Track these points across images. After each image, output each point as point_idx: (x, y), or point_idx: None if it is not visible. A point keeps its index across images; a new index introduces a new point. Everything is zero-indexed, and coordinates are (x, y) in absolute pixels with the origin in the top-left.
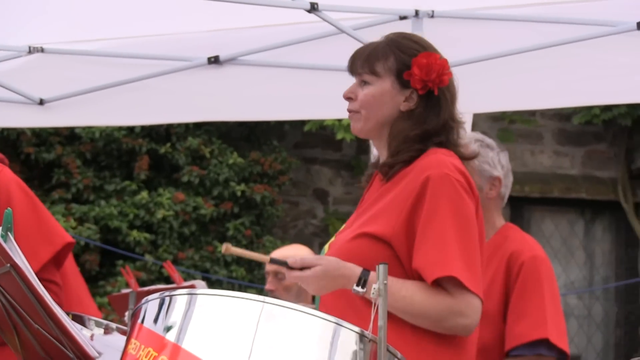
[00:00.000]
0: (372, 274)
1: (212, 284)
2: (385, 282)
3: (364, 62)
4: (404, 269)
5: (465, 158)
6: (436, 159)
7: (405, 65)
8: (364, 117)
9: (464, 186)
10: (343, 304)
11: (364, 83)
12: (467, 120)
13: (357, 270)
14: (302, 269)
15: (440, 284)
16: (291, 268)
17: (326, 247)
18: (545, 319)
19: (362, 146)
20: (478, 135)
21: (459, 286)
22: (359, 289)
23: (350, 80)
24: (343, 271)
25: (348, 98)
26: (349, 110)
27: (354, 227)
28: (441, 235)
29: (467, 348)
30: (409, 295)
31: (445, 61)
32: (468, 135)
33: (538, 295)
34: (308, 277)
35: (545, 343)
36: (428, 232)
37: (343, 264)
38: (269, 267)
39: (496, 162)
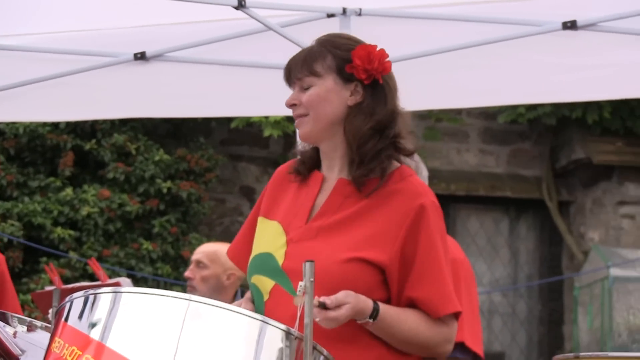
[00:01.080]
0: (382, 306)
1: (137, 281)
2: (311, 279)
3: (301, 66)
4: (389, 293)
5: (411, 152)
6: (421, 185)
7: (345, 61)
8: (312, 118)
9: (441, 213)
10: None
11: (305, 88)
12: None
13: (370, 303)
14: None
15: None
16: (327, 309)
17: (273, 251)
18: (462, 322)
19: (289, 143)
20: None
21: (452, 316)
22: (370, 320)
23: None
24: (362, 305)
25: (292, 105)
26: (296, 116)
27: (336, 245)
28: (439, 269)
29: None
30: (415, 327)
31: (383, 50)
32: None
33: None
34: (341, 315)
35: (460, 346)
36: (427, 265)
37: (362, 299)
38: (194, 257)
39: (418, 160)
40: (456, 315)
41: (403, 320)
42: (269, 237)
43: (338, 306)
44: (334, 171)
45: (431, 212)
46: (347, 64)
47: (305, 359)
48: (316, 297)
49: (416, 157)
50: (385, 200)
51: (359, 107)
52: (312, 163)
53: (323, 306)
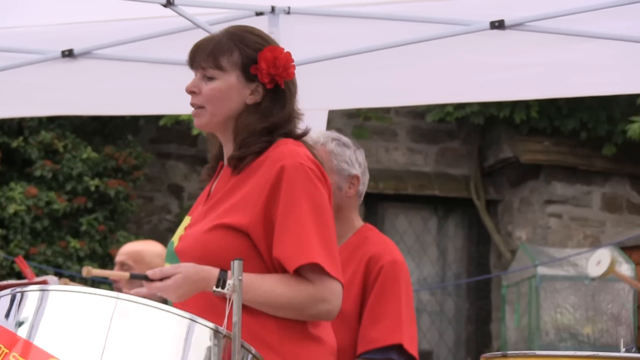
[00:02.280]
0: (230, 273)
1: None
2: (240, 277)
3: (207, 57)
4: (264, 260)
5: (312, 147)
6: (288, 149)
7: (251, 60)
8: (209, 112)
9: (317, 175)
10: (201, 302)
11: (208, 78)
12: (322, 117)
13: (215, 271)
14: (162, 279)
15: (301, 273)
16: (151, 280)
17: (175, 239)
18: (401, 324)
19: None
20: (334, 134)
21: (319, 272)
22: (219, 289)
23: None
24: (202, 274)
25: (191, 92)
26: (192, 105)
27: (208, 219)
28: (300, 225)
29: (326, 340)
30: (270, 289)
31: (289, 54)
32: (324, 134)
33: (395, 300)
34: (170, 286)
35: (396, 348)
36: (287, 222)
37: (201, 268)
38: (118, 258)
39: (354, 160)
40: (324, 272)
41: (257, 284)
42: (180, 229)
43: (167, 277)
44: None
45: (293, 172)
46: (252, 64)
47: (233, 357)
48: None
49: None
50: (256, 169)
51: (257, 107)
52: (218, 162)
53: (145, 278)
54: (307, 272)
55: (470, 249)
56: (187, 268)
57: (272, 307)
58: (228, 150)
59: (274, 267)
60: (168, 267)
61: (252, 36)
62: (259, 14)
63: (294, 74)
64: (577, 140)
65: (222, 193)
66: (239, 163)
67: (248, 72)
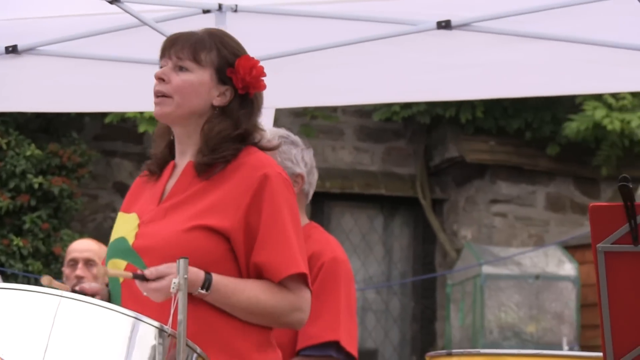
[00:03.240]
0: (215, 276)
1: (8, 278)
2: (185, 276)
3: (187, 48)
4: (238, 264)
5: (268, 149)
6: (266, 158)
7: (227, 62)
8: (176, 103)
9: (291, 185)
10: (142, 300)
11: (181, 69)
12: (269, 115)
13: (201, 274)
14: (156, 279)
15: (283, 282)
16: (147, 280)
17: (127, 235)
18: (339, 322)
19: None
20: (282, 131)
21: (299, 282)
22: (204, 291)
23: (150, 73)
24: (191, 277)
25: (160, 79)
26: (158, 91)
27: (180, 219)
28: (284, 234)
29: (277, 347)
30: (254, 295)
31: (262, 68)
32: (272, 131)
33: (334, 297)
34: (165, 286)
35: (335, 345)
36: (271, 230)
37: (192, 271)
38: (80, 255)
39: (299, 159)
40: (304, 281)
41: (240, 289)
42: (124, 225)
43: (161, 277)
44: (185, 157)
45: (275, 181)
46: (228, 67)
47: (178, 356)
48: (139, 270)
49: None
50: (231, 174)
51: (224, 110)
52: (163, 162)
53: (143, 278)
54: (289, 281)
55: (415, 248)
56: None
57: (252, 314)
58: (184, 148)
59: (248, 272)
60: (162, 267)
61: (231, 41)
62: (206, 11)
63: (264, 87)
64: (522, 140)
65: (186, 195)
66: (207, 168)
67: (222, 73)
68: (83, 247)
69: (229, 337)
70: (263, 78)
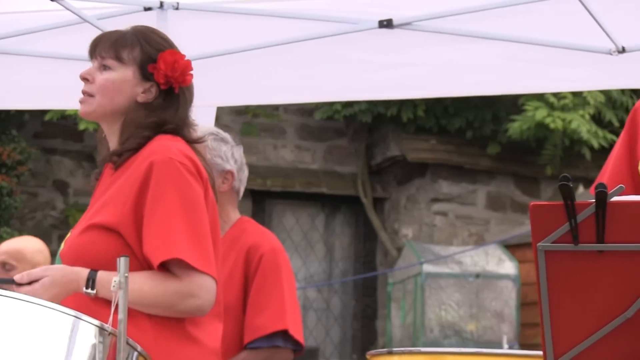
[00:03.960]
0: (100, 273)
1: None
2: (126, 275)
3: (109, 47)
4: (137, 258)
5: (192, 142)
6: (160, 145)
7: (151, 58)
8: (97, 102)
9: (189, 169)
10: (79, 300)
11: (104, 67)
12: (210, 113)
13: (84, 272)
14: (30, 283)
15: (169, 269)
16: (19, 284)
17: (62, 244)
18: (285, 311)
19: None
20: (213, 128)
21: (186, 268)
22: (89, 290)
23: None
24: (70, 277)
25: (84, 79)
26: (83, 92)
27: (83, 221)
28: (166, 219)
29: (205, 341)
30: (138, 287)
31: (190, 62)
32: (202, 129)
33: (277, 287)
34: (37, 290)
35: (282, 334)
36: (153, 217)
37: (69, 270)
38: None
39: (229, 156)
40: (191, 267)
41: None
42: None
43: (34, 281)
44: None
45: (162, 167)
46: (151, 62)
47: (118, 355)
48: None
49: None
50: (128, 167)
51: (147, 106)
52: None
53: (12, 282)
54: (174, 267)
55: (357, 247)
56: (55, 270)
57: (142, 305)
58: (112, 147)
59: (148, 264)
60: (36, 271)
61: (156, 37)
62: (147, 9)
63: (190, 81)
64: (463, 139)
65: (100, 192)
66: (118, 159)
67: (145, 69)
68: (0, 248)
69: (130, 330)
70: (192, 73)
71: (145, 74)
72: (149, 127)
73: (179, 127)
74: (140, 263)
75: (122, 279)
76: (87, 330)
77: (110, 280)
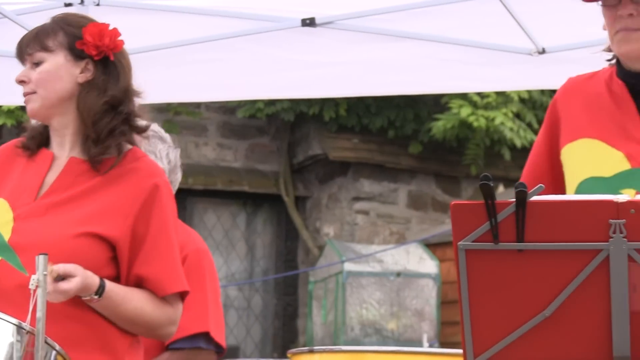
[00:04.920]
0: (108, 283)
1: None
2: (45, 273)
3: (33, 42)
4: (117, 271)
5: (144, 130)
6: (155, 165)
7: (76, 37)
8: (41, 96)
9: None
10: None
11: (35, 64)
12: None
13: (96, 279)
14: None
15: (165, 297)
16: (56, 280)
17: (3, 230)
18: (207, 313)
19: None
20: (155, 126)
21: (178, 297)
22: (96, 297)
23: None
24: (89, 281)
25: (21, 82)
26: (25, 94)
27: (70, 222)
28: (170, 250)
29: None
30: (140, 306)
31: (116, 29)
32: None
33: (201, 289)
34: (72, 289)
35: (204, 336)
36: (158, 244)
37: (89, 275)
38: None
39: (164, 155)
40: (182, 297)
41: (129, 299)
42: None
43: (70, 277)
44: (64, 149)
45: (164, 193)
46: (77, 40)
47: (36, 354)
48: (51, 265)
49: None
50: (120, 178)
51: (91, 84)
52: (41, 139)
53: (60, 278)
54: (171, 296)
55: (278, 245)
56: (82, 272)
57: (133, 323)
58: (62, 140)
59: (127, 280)
60: (70, 267)
61: (74, 17)
62: (67, 5)
63: (122, 47)
64: (385, 138)
65: (77, 192)
66: (100, 159)
67: (74, 49)
68: None
69: (110, 337)
70: (120, 40)
71: (77, 53)
72: (107, 109)
73: (128, 101)
74: (118, 277)
75: (40, 277)
76: (5, 328)
77: (117, 293)
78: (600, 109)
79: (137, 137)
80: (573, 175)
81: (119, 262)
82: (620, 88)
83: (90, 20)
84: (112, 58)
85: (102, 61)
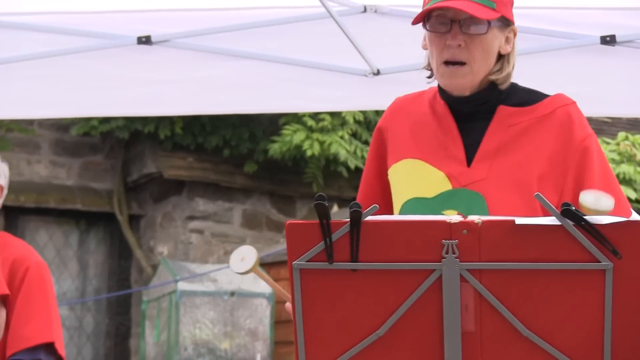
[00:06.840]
0: None
1: None
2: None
3: None
4: None
5: None
6: None
7: None
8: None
9: None
10: None
11: None
12: None
13: None
14: None
15: None
16: None
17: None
18: (51, 324)
19: None
20: None
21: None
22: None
23: None
24: None
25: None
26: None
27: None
28: None
29: None
30: None
31: None
32: None
33: (44, 300)
34: None
35: (44, 348)
36: None
37: None
38: None
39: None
40: (3, 300)
41: None
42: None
43: None
44: None
45: None
46: None
47: None
48: None
49: None
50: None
51: None
52: None
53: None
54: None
55: (111, 264)
56: None
57: None
58: None
59: None
60: None
61: None
62: None
63: None
64: (220, 157)
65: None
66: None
67: None
68: None
69: None
70: None
71: None
72: None
73: None
74: None
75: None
76: None
77: None
78: (423, 128)
79: None
80: (397, 195)
81: None
82: (443, 108)
83: None
84: None
85: None
